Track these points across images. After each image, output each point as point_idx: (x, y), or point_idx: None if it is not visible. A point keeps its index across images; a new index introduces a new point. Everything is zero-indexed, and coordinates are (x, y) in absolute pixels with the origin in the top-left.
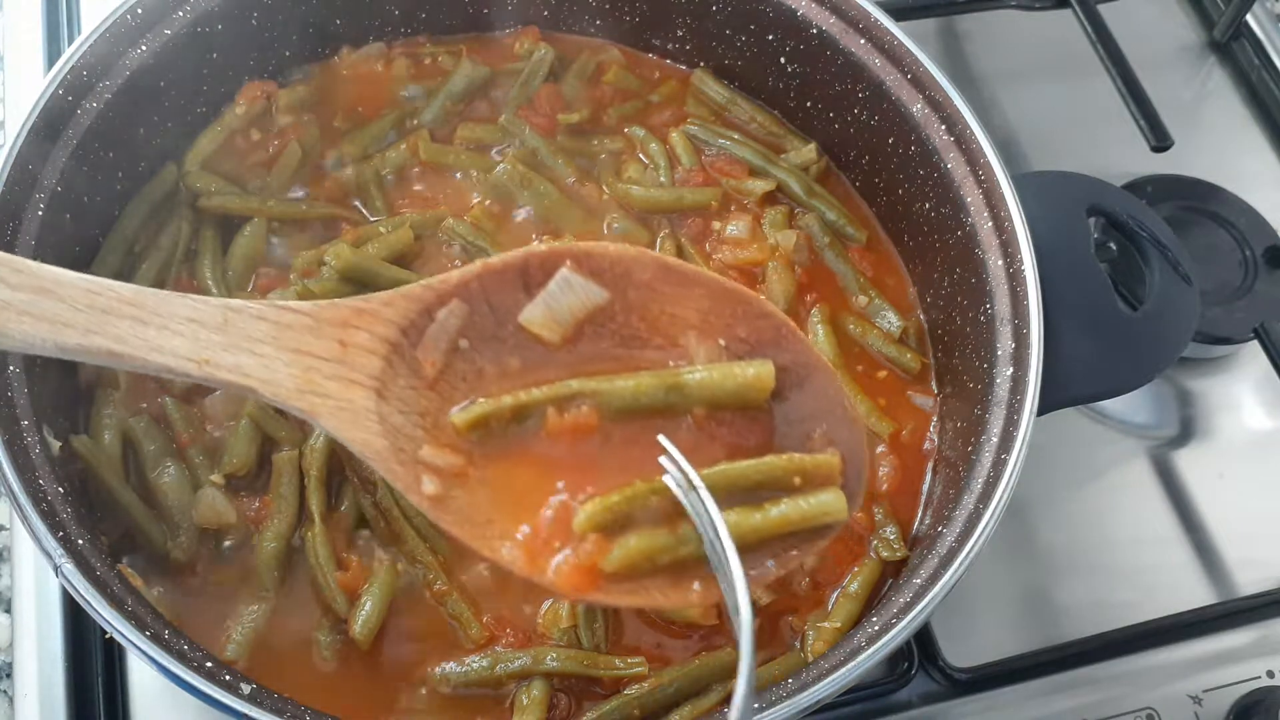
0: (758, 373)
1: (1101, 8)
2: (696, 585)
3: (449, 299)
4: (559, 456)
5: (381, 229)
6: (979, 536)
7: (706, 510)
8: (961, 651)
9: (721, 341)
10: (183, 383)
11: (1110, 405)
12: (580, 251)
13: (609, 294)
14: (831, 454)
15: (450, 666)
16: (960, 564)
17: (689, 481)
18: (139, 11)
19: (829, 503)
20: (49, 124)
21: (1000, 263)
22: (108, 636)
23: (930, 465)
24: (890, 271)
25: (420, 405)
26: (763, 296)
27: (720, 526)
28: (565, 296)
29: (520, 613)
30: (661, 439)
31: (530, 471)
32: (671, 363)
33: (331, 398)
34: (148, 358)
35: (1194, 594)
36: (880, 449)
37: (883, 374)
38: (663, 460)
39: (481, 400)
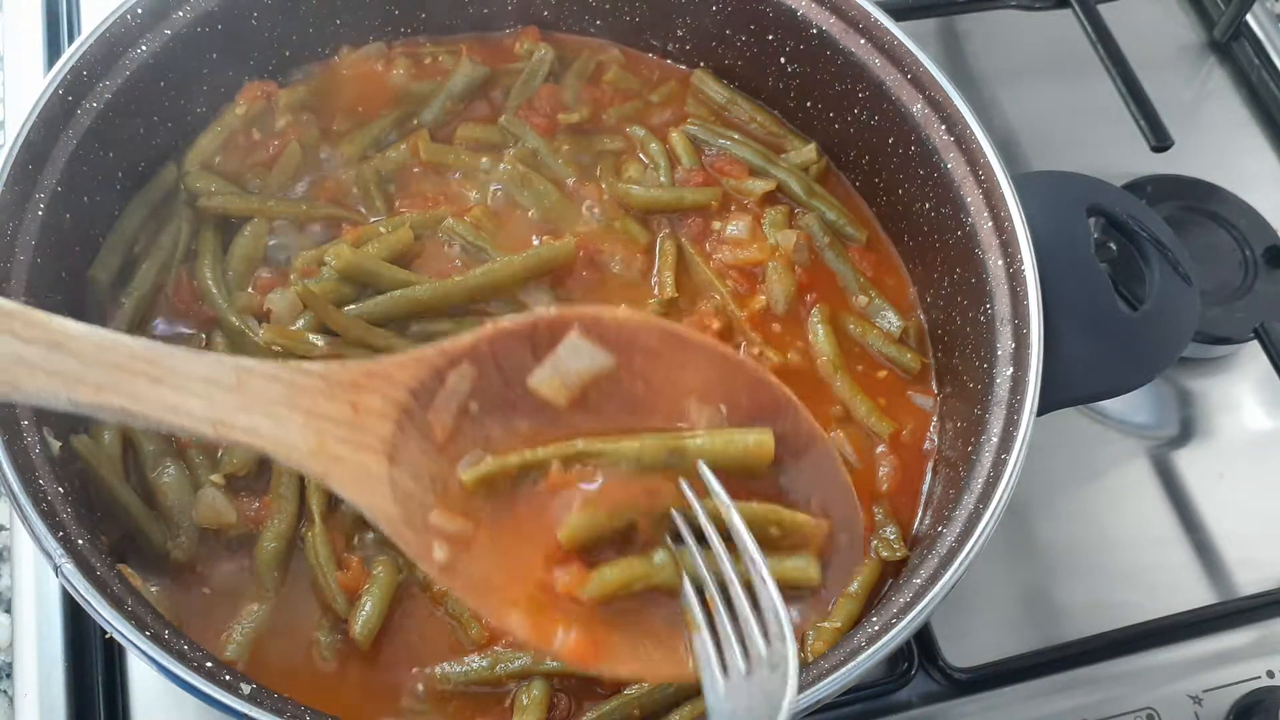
0: (759, 440)
1: (1101, 8)
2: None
3: (459, 361)
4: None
5: (381, 229)
6: (979, 536)
7: (746, 547)
8: (961, 651)
9: (723, 408)
10: None
11: (1110, 405)
12: (589, 316)
13: (615, 359)
14: (820, 521)
15: (450, 666)
16: (960, 564)
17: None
18: (139, 11)
19: (800, 568)
20: (49, 124)
21: (1000, 263)
22: (108, 636)
23: (930, 465)
24: (890, 271)
25: (430, 469)
26: (765, 369)
27: (756, 555)
28: (573, 361)
29: None
30: (703, 468)
31: (535, 537)
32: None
33: (345, 461)
34: (163, 417)
35: (1194, 594)
36: (880, 449)
37: (883, 374)
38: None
39: (489, 458)
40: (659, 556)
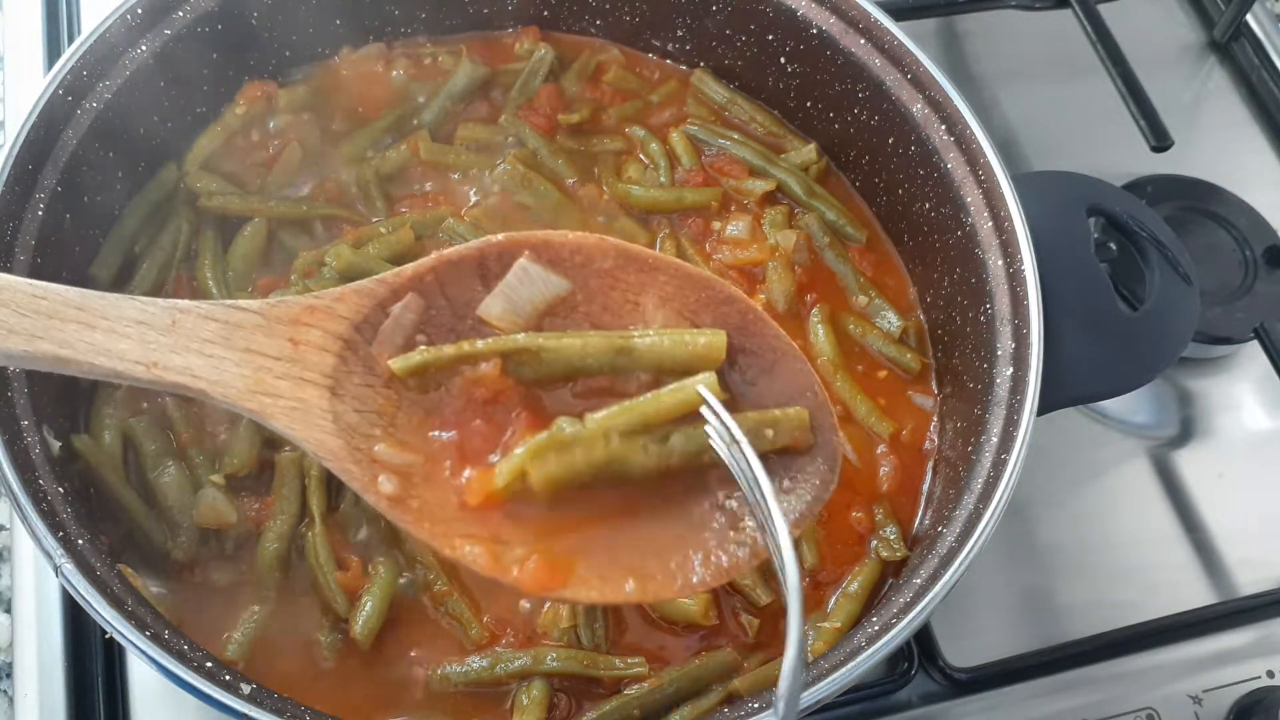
0: (709, 342)
1: (1101, 8)
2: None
3: (404, 293)
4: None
5: (382, 229)
6: (979, 536)
7: (745, 461)
8: (961, 651)
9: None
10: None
11: (1110, 405)
12: (539, 240)
13: (570, 283)
14: (799, 409)
15: (450, 666)
16: (960, 564)
17: (730, 435)
18: (139, 11)
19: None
20: (49, 124)
21: (1000, 263)
22: (108, 636)
23: (930, 465)
24: (890, 271)
25: (376, 403)
26: (728, 282)
27: (760, 474)
28: (524, 288)
29: (520, 613)
30: (701, 390)
31: (483, 465)
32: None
33: (283, 397)
34: (95, 361)
35: (1194, 594)
36: (880, 449)
37: (883, 374)
38: (705, 413)
39: (423, 348)
40: (562, 422)
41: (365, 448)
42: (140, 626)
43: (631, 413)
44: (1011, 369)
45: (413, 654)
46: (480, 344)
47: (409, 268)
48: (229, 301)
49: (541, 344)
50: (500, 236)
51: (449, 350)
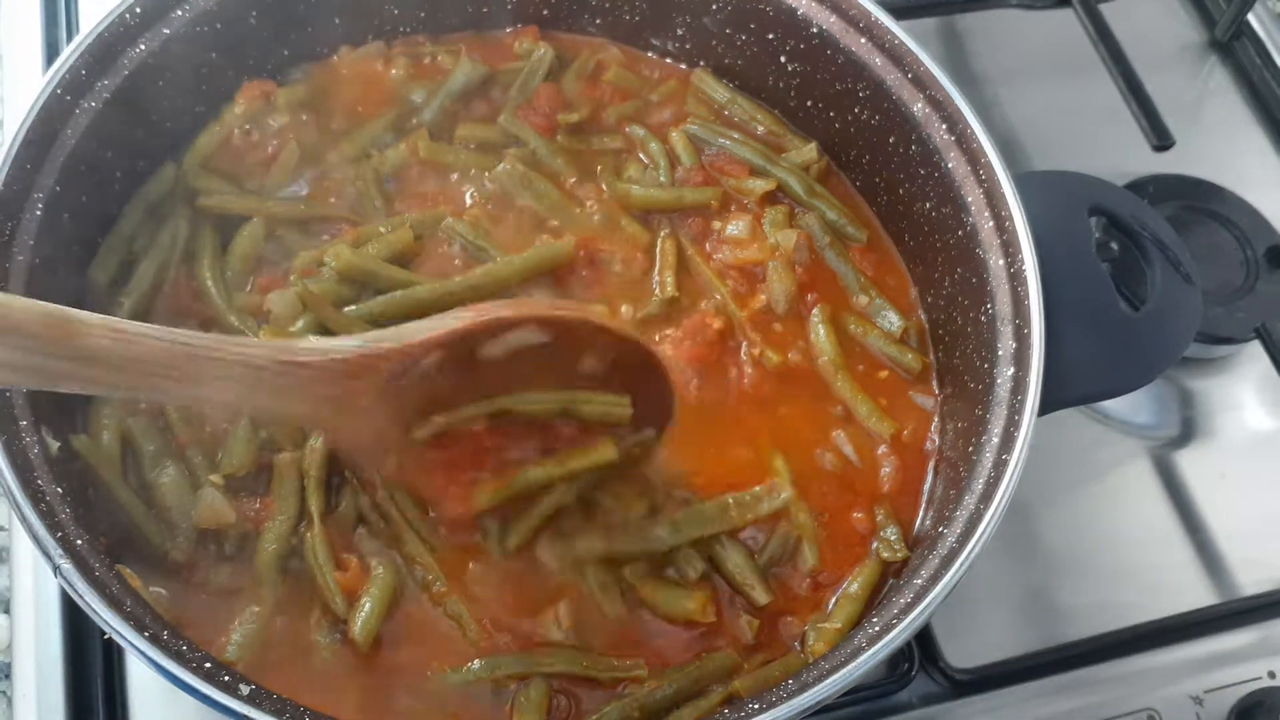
0: (622, 412)
1: (1102, 7)
2: None
3: (435, 352)
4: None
5: (381, 229)
6: (980, 537)
7: None
8: (962, 652)
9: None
10: None
11: (1111, 405)
12: (544, 317)
13: (548, 338)
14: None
15: (449, 668)
16: (961, 564)
17: None
18: (138, 11)
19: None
20: (47, 124)
21: (1001, 262)
22: (106, 637)
23: (931, 465)
24: (891, 271)
25: (393, 421)
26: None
27: None
28: (516, 341)
29: (519, 614)
30: None
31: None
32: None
33: (327, 419)
34: (188, 403)
35: (1195, 594)
36: (881, 449)
37: (884, 374)
38: None
39: (437, 419)
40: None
41: (380, 452)
42: (139, 627)
43: (564, 466)
44: (1013, 369)
45: (412, 655)
46: (473, 408)
47: (443, 332)
48: (301, 363)
49: (511, 405)
50: (513, 314)
51: (456, 419)
